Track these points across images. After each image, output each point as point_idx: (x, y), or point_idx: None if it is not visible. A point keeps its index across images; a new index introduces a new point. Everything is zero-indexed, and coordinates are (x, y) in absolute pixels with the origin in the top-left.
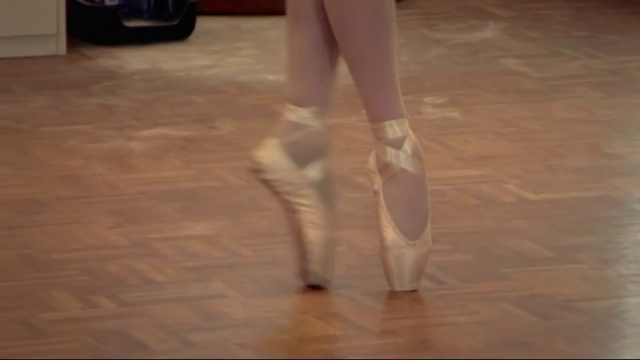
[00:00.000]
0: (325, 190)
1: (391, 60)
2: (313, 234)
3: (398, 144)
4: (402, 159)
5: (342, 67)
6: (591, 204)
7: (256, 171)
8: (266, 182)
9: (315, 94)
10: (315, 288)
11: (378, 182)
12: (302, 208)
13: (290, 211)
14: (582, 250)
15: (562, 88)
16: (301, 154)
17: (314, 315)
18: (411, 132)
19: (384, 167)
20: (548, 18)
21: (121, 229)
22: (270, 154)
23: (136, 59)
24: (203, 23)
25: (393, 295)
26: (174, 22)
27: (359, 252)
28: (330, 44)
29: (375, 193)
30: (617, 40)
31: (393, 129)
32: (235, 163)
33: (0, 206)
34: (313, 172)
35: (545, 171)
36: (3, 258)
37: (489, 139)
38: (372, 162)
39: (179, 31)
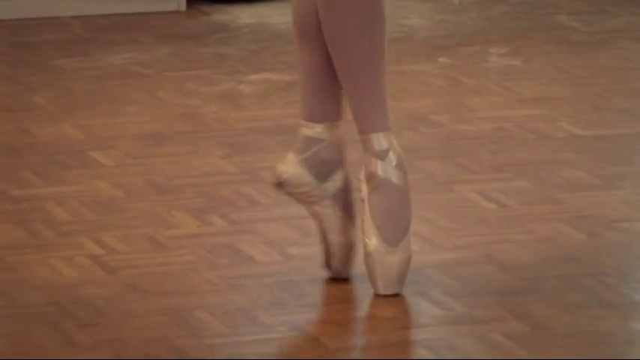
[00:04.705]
0: (343, 199)
1: (380, 75)
2: (335, 239)
3: (383, 155)
4: (386, 170)
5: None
6: (632, 139)
7: (279, 185)
8: (289, 194)
9: (326, 109)
10: None
11: (364, 191)
12: (324, 216)
13: (314, 217)
14: (624, 179)
15: (607, 41)
16: (320, 168)
17: None
18: (396, 144)
19: (369, 177)
20: None
21: (232, 159)
22: (292, 169)
23: (245, 14)
24: None
25: (463, 216)
26: None
27: (434, 180)
28: None
29: (362, 201)
30: None
31: (379, 141)
32: None
33: (129, 139)
34: (332, 184)
35: (592, 111)
36: (131, 183)
37: (545, 83)
38: (362, 172)
39: None
